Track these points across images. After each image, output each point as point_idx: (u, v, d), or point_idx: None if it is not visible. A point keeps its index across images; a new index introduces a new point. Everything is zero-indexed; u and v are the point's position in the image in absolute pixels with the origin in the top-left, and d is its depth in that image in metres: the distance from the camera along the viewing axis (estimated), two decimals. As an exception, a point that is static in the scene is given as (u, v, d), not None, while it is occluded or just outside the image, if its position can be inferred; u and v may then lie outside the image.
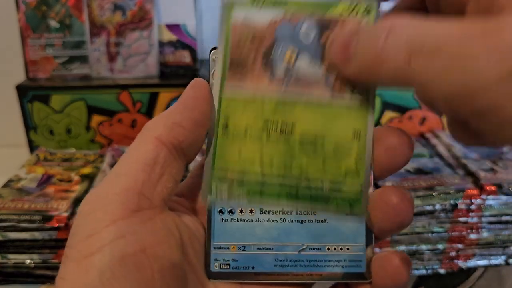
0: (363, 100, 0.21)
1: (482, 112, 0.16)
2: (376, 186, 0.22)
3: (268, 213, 0.22)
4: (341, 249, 0.22)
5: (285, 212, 0.22)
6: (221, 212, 0.22)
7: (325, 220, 0.22)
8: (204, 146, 0.22)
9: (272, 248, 0.22)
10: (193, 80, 0.22)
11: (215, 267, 0.22)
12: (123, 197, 0.19)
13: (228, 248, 0.22)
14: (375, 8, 0.21)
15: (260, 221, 0.22)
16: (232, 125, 0.21)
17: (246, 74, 0.21)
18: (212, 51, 0.22)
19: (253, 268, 0.22)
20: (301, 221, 0.22)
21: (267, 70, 0.22)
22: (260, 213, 0.22)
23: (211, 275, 0.22)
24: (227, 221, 0.22)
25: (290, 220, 0.22)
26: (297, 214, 0.22)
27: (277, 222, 0.22)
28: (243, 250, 0.22)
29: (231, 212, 0.22)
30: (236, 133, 0.21)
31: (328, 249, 0.22)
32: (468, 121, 0.17)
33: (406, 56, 0.16)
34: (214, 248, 0.22)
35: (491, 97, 0.15)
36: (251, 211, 0.22)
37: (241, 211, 0.22)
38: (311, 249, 0.22)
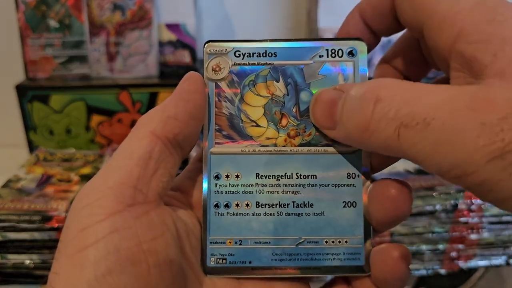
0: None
1: (478, 187, 0.16)
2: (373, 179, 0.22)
3: (265, 207, 0.22)
4: (339, 242, 0.22)
5: (282, 205, 0.22)
6: (216, 206, 0.22)
7: (322, 213, 0.22)
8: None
9: (269, 242, 0.21)
10: (187, 74, 0.21)
11: (211, 262, 0.21)
12: (117, 191, 0.19)
13: (224, 243, 0.22)
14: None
15: (257, 215, 0.22)
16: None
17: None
18: (206, 45, 0.22)
19: (250, 262, 0.21)
20: (298, 214, 0.22)
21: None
22: (257, 207, 0.22)
23: (208, 271, 0.21)
24: (223, 215, 0.22)
25: (287, 213, 0.22)
26: (294, 207, 0.22)
27: (273, 215, 0.22)
28: (240, 244, 0.22)
29: (227, 206, 0.22)
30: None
31: (326, 242, 0.22)
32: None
33: (395, 130, 0.17)
34: (210, 243, 0.22)
35: (484, 176, 0.15)
36: (247, 205, 0.22)
37: (237, 205, 0.22)
38: (309, 242, 0.21)
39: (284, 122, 0.22)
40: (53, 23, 0.60)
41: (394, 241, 0.47)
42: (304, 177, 0.22)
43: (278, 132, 0.22)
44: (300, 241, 0.21)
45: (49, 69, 0.62)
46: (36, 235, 0.43)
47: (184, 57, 0.63)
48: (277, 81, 0.22)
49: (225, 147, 0.22)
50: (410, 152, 0.17)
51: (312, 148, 0.22)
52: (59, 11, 0.60)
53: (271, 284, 0.22)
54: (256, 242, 0.22)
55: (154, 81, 0.62)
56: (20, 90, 0.60)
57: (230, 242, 0.22)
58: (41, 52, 0.61)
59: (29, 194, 0.48)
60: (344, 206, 0.22)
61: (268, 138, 0.22)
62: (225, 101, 0.22)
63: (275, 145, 0.22)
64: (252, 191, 0.22)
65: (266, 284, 0.22)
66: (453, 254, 0.48)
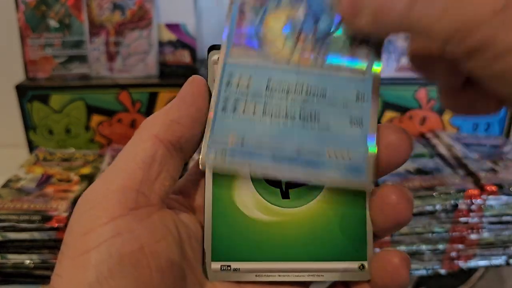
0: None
1: (479, 46, 0.16)
2: (376, 184, 0.21)
3: (271, 115, 0.22)
4: (342, 155, 0.21)
5: (289, 115, 0.22)
6: (223, 109, 0.22)
7: (327, 126, 0.21)
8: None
9: (271, 145, 0.21)
10: (190, 77, 0.21)
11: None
12: (120, 194, 0.19)
13: (226, 142, 0.21)
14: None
15: (262, 121, 0.22)
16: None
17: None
18: (209, 53, 0.22)
19: (249, 161, 0.21)
20: (304, 125, 0.21)
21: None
22: (263, 114, 0.22)
23: (210, 275, 0.21)
24: (229, 117, 0.21)
25: (292, 121, 0.22)
26: (300, 118, 0.22)
27: (279, 123, 0.22)
28: (241, 143, 0.21)
29: (233, 109, 0.22)
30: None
31: (329, 154, 0.21)
32: (465, 65, 0.17)
33: (407, 3, 0.17)
34: (212, 141, 0.21)
35: (487, 29, 0.16)
36: (254, 111, 0.22)
37: (243, 110, 0.22)
38: (310, 152, 0.21)
39: (301, 42, 0.22)
40: (53, 23, 0.60)
41: (394, 241, 0.47)
42: (314, 92, 0.22)
43: (294, 51, 0.22)
44: (302, 148, 0.21)
45: (49, 69, 0.62)
46: (36, 235, 0.43)
47: (184, 57, 0.63)
48: (299, 5, 0.22)
49: (240, 58, 0.22)
50: (421, 23, 0.17)
51: (326, 68, 0.22)
52: (59, 11, 0.60)
53: None
54: (258, 143, 0.21)
55: (153, 81, 0.62)
56: (20, 90, 0.60)
57: (232, 140, 0.21)
58: (41, 52, 0.61)
59: (29, 194, 0.48)
60: (350, 123, 0.21)
61: (284, 55, 0.22)
62: (249, 14, 0.22)
63: (289, 61, 0.22)
64: (260, 99, 0.22)
65: None
66: (453, 254, 0.48)
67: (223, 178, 0.22)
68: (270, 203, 0.22)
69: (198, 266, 0.21)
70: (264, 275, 0.22)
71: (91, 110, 0.61)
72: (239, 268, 0.22)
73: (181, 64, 0.63)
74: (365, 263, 0.21)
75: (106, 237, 0.18)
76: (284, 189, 0.22)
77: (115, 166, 0.20)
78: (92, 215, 0.18)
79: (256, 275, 0.22)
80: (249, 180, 0.22)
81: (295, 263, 0.22)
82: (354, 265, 0.21)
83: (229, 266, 0.22)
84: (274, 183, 0.22)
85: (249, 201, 0.22)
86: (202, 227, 0.22)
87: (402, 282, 0.20)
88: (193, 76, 0.22)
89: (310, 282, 0.23)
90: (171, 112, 0.21)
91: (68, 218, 0.43)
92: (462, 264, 0.49)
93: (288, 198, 0.22)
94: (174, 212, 0.21)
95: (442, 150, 0.57)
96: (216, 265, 0.21)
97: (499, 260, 0.50)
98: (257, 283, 0.22)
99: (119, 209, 0.18)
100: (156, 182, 0.20)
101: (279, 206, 0.22)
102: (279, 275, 0.22)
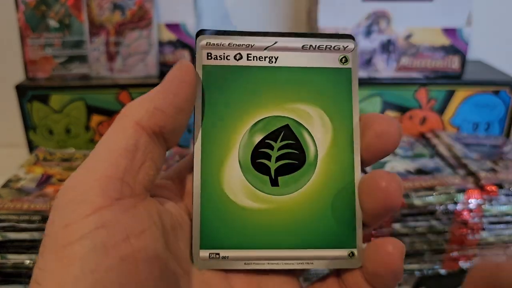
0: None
1: None
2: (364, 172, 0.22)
3: None
4: None
5: None
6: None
7: None
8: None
9: None
10: (178, 62, 0.21)
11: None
12: (104, 184, 0.18)
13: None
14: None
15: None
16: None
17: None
18: (198, 38, 0.22)
19: None
20: None
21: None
22: None
23: (199, 263, 0.21)
24: None
25: None
26: None
27: None
28: None
29: None
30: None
31: None
32: None
33: None
34: None
35: None
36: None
37: None
38: None
39: None
40: (53, 23, 0.60)
41: (394, 241, 0.47)
42: None
43: None
44: None
45: (49, 69, 0.62)
46: (36, 235, 0.43)
47: (184, 57, 0.63)
48: None
49: None
50: None
51: None
52: (59, 11, 0.60)
53: (259, 279, 0.22)
54: None
55: (154, 81, 0.62)
56: (20, 90, 0.60)
57: None
58: (41, 52, 0.61)
59: (29, 194, 0.48)
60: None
61: None
62: None
63: None
64: None
65: (254, 278, 0.22)
66: (453, 254, 0.48)
67: (212, 165, 0.22)
68: (259, 190, 0.22)
69: (184, 256, 0.21)
70: (253, 263, 0.21)
71: (91, 110, 0.61)
72: (228, 256, 0.21)
73: (181, 64, 0.63)
74: (355, 251, 0.21)
75: (90, 229, 0.17)
76: (273, 176, 0.22)
77: (97, 154, 0.19)
78: (75, 206, 0.17)
79: (245, 263, 0.21)
80: (238, 168, 0.22)
81: (284, 251, 0.21)
82: (344, 252, 0.21)
83: (218, 254, 0.21)
84: (263, 170, 0.22)
85: (238, 189, 0.22)
86: (189, 215, 0.22)
87: (394, 270, 0.20)
88: (181, 61, 0.21)
89: (300, 270, 0.22)
90: (155, 99, 0.20)
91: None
92: (462, 264, 0.49)
93: (278, 185, 0.22)
94: (159, 201, 0.20)
95: (442, 150, 0.57)
96: (204, 253, 0.21)
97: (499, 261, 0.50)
98: (246, 271, 0.21)
99: (103, 199, 0.18)
100: (140, 171, 0.19)
101: (268, 194, 0.22)
102: (268, 263, 0.21)
